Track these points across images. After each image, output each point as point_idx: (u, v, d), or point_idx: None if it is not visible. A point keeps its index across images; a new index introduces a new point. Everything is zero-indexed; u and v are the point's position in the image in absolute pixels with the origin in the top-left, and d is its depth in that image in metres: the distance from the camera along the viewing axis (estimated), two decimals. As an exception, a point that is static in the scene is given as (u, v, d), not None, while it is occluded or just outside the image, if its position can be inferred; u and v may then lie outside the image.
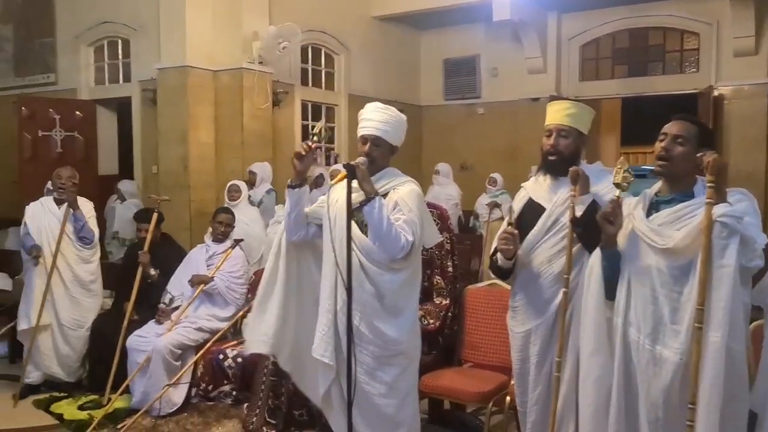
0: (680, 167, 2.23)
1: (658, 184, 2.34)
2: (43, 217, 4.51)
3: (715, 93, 8.34)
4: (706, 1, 8.28)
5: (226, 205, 5.39)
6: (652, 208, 2.28)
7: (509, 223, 2.70)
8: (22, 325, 4.45)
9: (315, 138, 2.86)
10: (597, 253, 2.36)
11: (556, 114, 2.72)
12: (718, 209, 2.02)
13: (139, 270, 4.44)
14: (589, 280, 2.38)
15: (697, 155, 2.15)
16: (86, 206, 4.63)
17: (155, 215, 4.54)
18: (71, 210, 4.43)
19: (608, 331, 2.31)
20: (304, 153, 2.68)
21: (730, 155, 7.73)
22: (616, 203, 2.27)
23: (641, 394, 2.20)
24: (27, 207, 4.57)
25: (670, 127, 2.27)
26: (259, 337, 2.89)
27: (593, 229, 2.48)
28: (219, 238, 4.58)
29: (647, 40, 9.07)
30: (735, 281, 1.99)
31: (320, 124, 2.92)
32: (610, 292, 2.31)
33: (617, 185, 2.30)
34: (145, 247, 4.49)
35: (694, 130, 2.26)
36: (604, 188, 2.63)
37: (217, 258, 4.51)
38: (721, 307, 1.99)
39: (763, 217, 2.59)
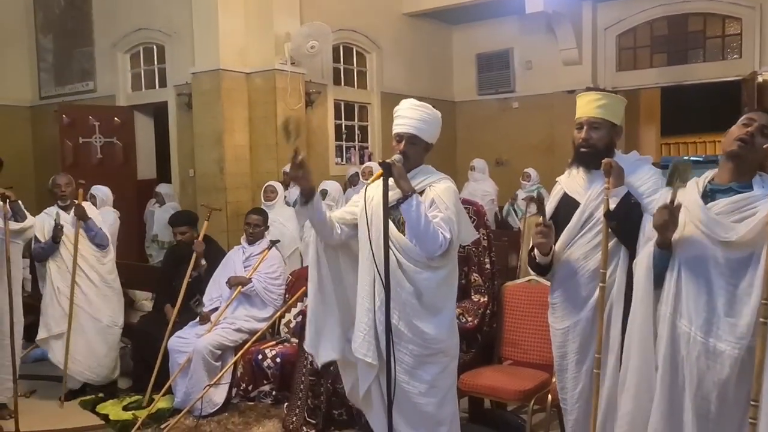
0: (755, 156, 2.15)
1: (711, 172, 2.25)
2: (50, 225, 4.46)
3: (760, 79, 8.05)
4: (748, -16, 8.02)
5: (260, 206, 5.42)
6: (706, 196, 2.19)
7: (542, 217, 2.63)
8: (42, 334, 4.51)
9: (291, 138, 2.85)
10: (648, 250, 2.26)
11: (587, 106, 2.65)
12: None
13: (189, 269, 4.49)
14: (638, 275, 2.29)
15: (764, 146, 2.07)
16: (109, 215, 4.65)
17: (206, 220, 4.68)
18: (82, 222, 4.46)
19: (654, 322, 2.23)
20: (298, 172, 2.63)
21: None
22: (671, 206, 2.15)
23: (689, 387, 2.13)
24: (35, 223, 4.40)
25: (760, 116, 2.18)
26: (324, 344, 2.87)
27: (628, 222, 2.40)
28: (250, 239, 4.61)
29: (687, 26, 8.82)
30: None
31: (288, 124, 2.90)
32: (658, 281, 2.23)
33: (672, 186, 2.17)
34: (200, 237, 4.62)
35: None
36: (640, 178, 2.55)
37: (254, 259, 4.54)
38: None
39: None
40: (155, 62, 8.13)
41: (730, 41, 8.55)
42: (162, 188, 7.47)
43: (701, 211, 2.13)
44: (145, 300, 5.83)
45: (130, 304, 5.32)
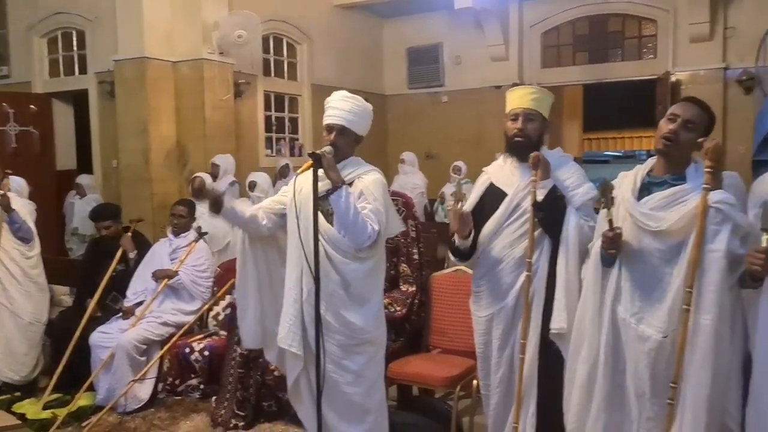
0: (682, 151, 2.24)
1: (651, 162, 2.35)
2: None
3: (673, 78, 8.50)
4: (663, -12, 8.43)
5: (187, 198, 5.31)
6: (644, 189, 2.30)
7: (458, 201, 2.70)
8: None
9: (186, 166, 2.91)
10: (597, 251, 2.36)
11: (522, 98, 2.75)
12: (715, 195, 2.06)
13: (113, 263, 4.36)
14: (588, 273, 2.40)
15: (698, 140, 2.16)
16: (26, 206, 4.49)
17: (131, 229, 4.61)
18: (6, 213, 4.29)
19: (595, 308, 2.35)
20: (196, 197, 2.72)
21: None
22: (614, 233, 2.23)
23: (629, 369, 2.27)
24: None
25: (684, 110, 2.25)
26: (247, 333, 2.94)
27: (554, 213, 2.51)
28: (176, 230, 4.52)
29: (606, 26, 9.19)
30: (724, 266, 2.04)
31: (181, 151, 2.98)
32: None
33: (605, 209, 2.27)
34: (129, 233, 4.52)
35: (705, 118, 2.26)
36: (565, 173, 2.67)
37: (181, 251, 4.45)
38: (712, 291, 2.05)
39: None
40: (75, 48, 7.78)
41: (646, 42, 8.98)
42: (83, 179, 7.19)
43: (634, 205, 2.25)
44: (64, 295, 5.61)
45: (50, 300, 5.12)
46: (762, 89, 7.82)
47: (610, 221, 2.24)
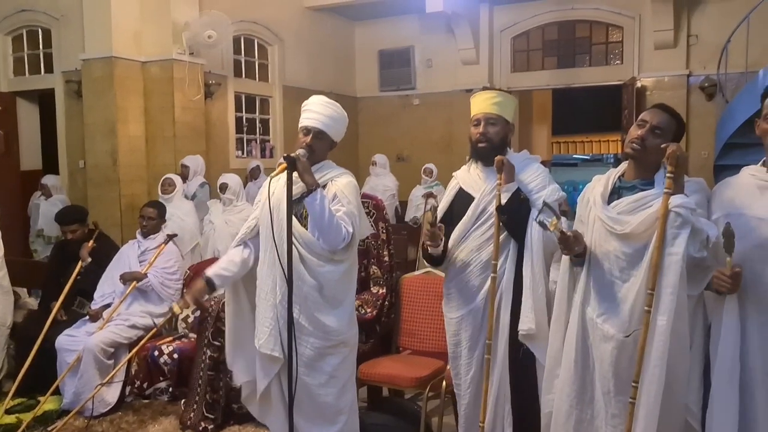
0: (651, 157, 2.28)
1: (623, 167, 2.40)
2: None
3: (638, 84, 8.70)
4: (628, -4, 8.61)
5: (158, 199, 5.27)
6: (615, 193, 2.34)
7: (430, 223, 2.74)
8: None
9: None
10: (566, 259, 2.42)
11: (483, 104, 2.79)
12: (675, 200, 2.09)
13: (78, 266, 4.30)
14: (560, 272, 2.48)
15: (662, 146, 2.19)
16: None
17: (95, 233, 4.52)
18: None
19: (567, 308, 2.42)
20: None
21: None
22: (566, 238, 2.30)
23: (596, 368, 2.33)
24: None
25: (652, 116, 2.29)
26: (244, 367, 2.93)
27: (517, 215, 2.56)
28: (145, 232, 4.48)
29: (575, 32, 9.36)
30: (682, 269, 2.09)
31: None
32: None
33: (540, 224, 2.35)
34: (91, 242, 4.42)
35: (674, 124, 2.29)
36: (529, 176, 2.73)
37: (150, 253, 4.41)
38: (669, 293, 2.10)
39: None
40: (41, 46, 7.65)
41: (613, 48, 9.17)
42: (48, 180, 7.06)
43: (602, 209, 2.30)
44: (27, 299, 5.51)
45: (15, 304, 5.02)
46: (724, 96, 8.04)
47: (562, 232, 2.29)
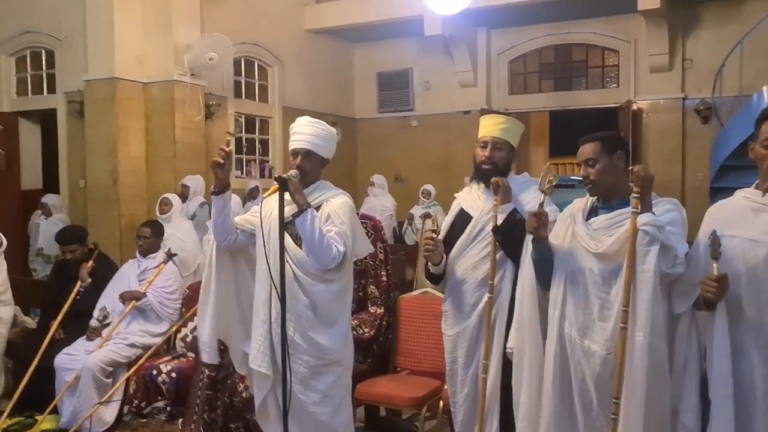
0: (605, 182, 2.36)
1: None
2: None
3: (634, 107, 8.80)
4: (624, 20, 8.72)
5: (154, 219, 5.30)
6: (593, 213, 2.41)
7: (432, 231, 2.81)
8: None
9: (229, 142, 2.89)
10: (528, 248, 2.47)
11: (492, 127, 2.87)
12: (642, 218, 2.16)
13: (76, 286, 4.32)
14: (523, 276, 2.52)
15: (629, 168, 2.26)
16: None
17: (95, 253, 4.55)
18: None
19: (542, 322, 2.45)
20: (222, 161, 2.71)
21: (648, 166, 8.15)
22: (538, 212, 2.38)
23: (575, 381, 2.36)
24: None
25: (579, 154, 2.41)
26: (201, 346, 2.96)
27: (512, 236, 2.61)
28: (141, 251, 4.51)
29: (571, 56, 9.48)
30: (655, 285, 2.14)
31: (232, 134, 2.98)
32: (544, 283, 2.45)
33: (542, 191, 2.45)
34: (90, 262, 4.45)
35: (598, 146, 2.37)
36: (527, 197, 2.78)
37: (150, 273, 4.43)
38: (644, 309, 2.15)
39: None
40: (44, 67, 7.75)
41: (609, 71, 9.29)
42: (48, 199, 7.09)
43: (580, 227, 2.36)
44: (23, 317, 5.50)
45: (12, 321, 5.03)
46: (719, 119, 8.13)
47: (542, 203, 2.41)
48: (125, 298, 4.29)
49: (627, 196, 2.31)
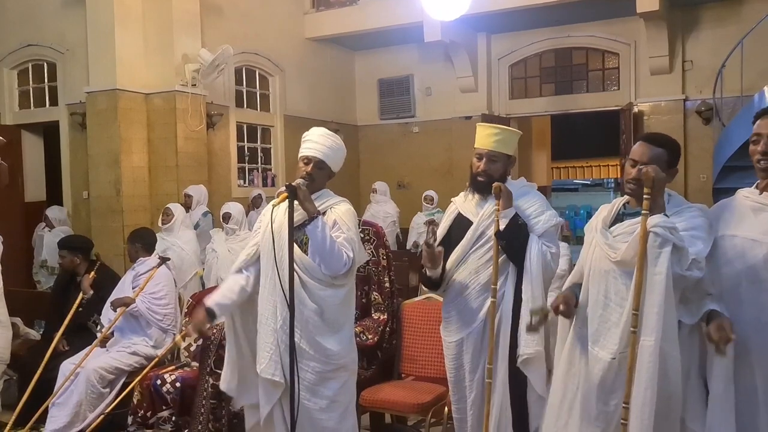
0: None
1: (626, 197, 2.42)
2: None
3: (635, 109, 8.79)
4: (623, 23, 8.73)
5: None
6: (618, 219, 2.37)
7: (427, 243, 2.78)
8: None
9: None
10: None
11: (486, 139, 2.86)
12: (652, 220, 2.10)
13: (79, 298, 4.32)
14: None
15: (637, 168, 2.21)
16: None
17: (96, 263, 4.55)
18: None
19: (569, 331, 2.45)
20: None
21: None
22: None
23: (580, 388, 2.35)
24: None
25: (641, 155, 2.29)
26: (224, 376, 2.97)
27: (516, 240, 2.61)
28: (130, 258, 4.53)
29: (571, 59, 9.49)
30: (668, 288, 2.07)
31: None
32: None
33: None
34: (92, 273, 4.45)
35: (664, 152, 2.29)
36: (527, 202, 2.79)
37: (141, 279, 4.42)
38: (655, 312, 2.09)
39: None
40: (46, 80, 7.79)
41: (609, 74, 9.29)
42: (51, 212, 7.10)
43: (601, 233, 2.33)
44: (26, 329, 5.50)
45: (15, 334, 5.02)
46: (720, 120, 8.11)
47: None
48: (115, 304, 4.26)
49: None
